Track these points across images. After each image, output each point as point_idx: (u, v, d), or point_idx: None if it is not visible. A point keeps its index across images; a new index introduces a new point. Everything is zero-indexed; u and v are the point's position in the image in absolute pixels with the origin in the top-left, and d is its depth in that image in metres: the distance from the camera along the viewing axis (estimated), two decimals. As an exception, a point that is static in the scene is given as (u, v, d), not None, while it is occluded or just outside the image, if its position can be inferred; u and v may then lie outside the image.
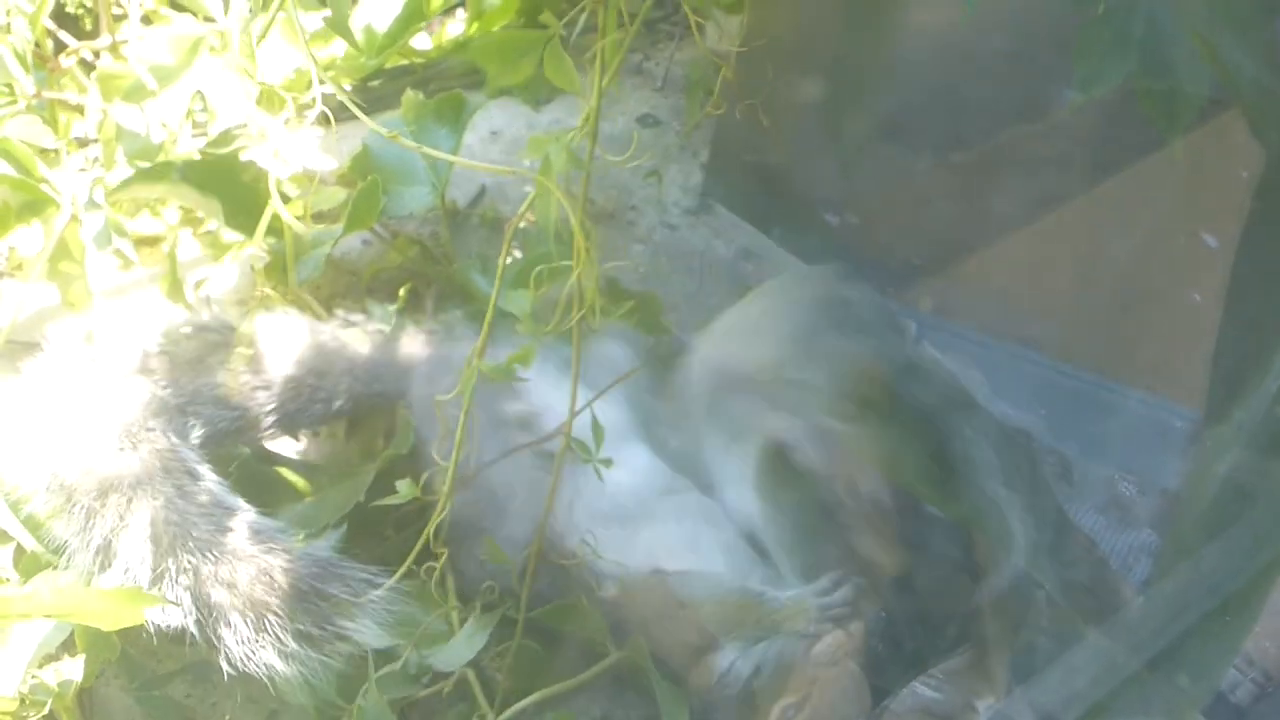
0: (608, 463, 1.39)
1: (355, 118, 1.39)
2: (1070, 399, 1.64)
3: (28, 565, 1.42)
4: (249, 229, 1.65)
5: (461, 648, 1.46)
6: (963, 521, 1.47)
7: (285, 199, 1.69)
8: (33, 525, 1.41)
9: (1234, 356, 1.41)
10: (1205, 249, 1.54)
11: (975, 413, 1.54)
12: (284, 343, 1.58)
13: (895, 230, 1.92)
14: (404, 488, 1.48)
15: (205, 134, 1.86)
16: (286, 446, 1.67)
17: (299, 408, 1.59)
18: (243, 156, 1.75)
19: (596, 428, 1.37)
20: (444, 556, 1.46)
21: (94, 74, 1.77)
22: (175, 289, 1.72)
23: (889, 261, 1.91)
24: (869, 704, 1.37)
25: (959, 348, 1.67)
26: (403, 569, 1.43)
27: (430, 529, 1.43)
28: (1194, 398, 1.51)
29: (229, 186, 1.65)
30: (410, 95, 1.86)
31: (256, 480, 1.52)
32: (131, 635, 1.48)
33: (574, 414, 1.36)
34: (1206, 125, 1.50)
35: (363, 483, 1.52)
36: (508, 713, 1.46)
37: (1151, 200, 1.64)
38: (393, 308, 1.71)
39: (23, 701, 1.35)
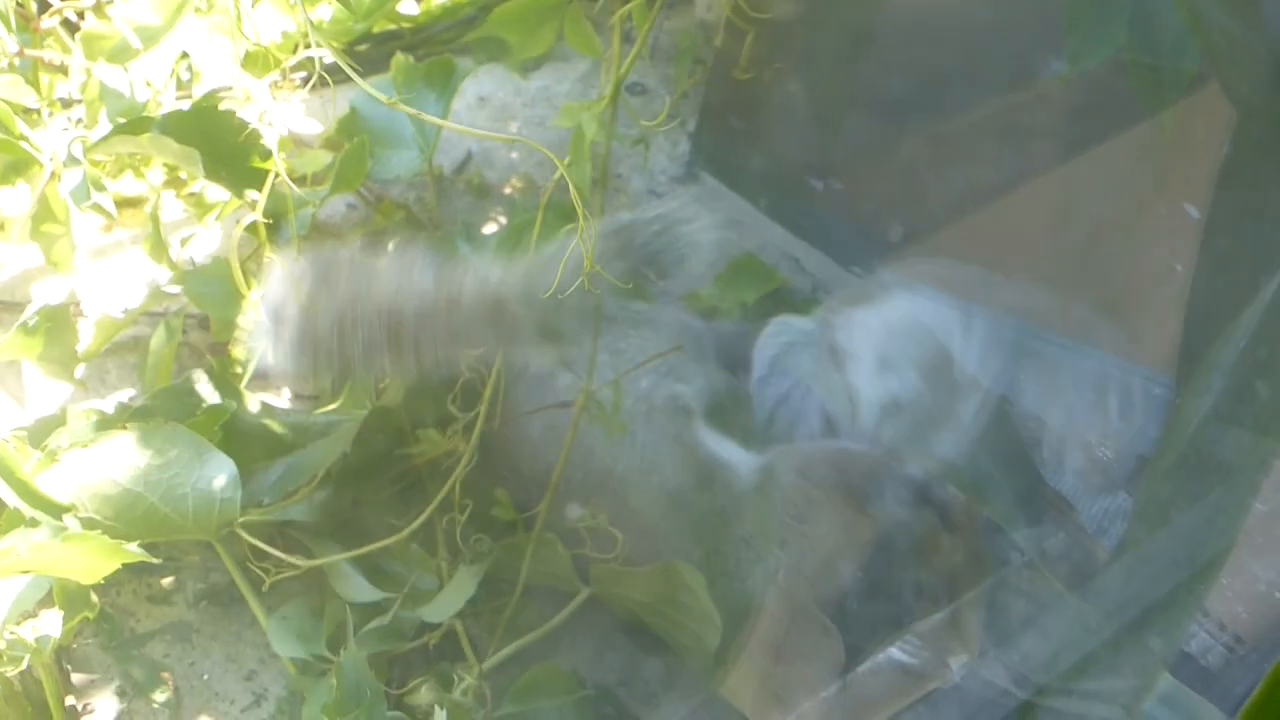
0: (623, 428, 1.39)
1: (340, 82, 1.39)
2: (1049, 364, 1.64)
3: (5, 522, 1.41)
4: (229, 181, 1.64)
5: (450, 599, 1.46)
6: (940, 481, 1.48)
7: (266, 154, 1.69)
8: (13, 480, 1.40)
9: (1204, 321, 1.42)
10: (1187, 220, 1.54)
11: (955, 376, 1.55)
12: None
13: (880, 198, 1.93)
14: (427, 438, 1.49)
15: (190, 95, 1.85)
16: (277, 399, 1.68)
17: None
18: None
19: (617, 391, 1.37)
20: (467, 510, 1.46)
21: (78, 34, 1.77)
22: (158, 249, 1.72)
23: (874, 228, 1.91)
24: (842, 660, 1.37)
25: (938, 314, 1.67)
26: (418, 522, 1.44)
27: (454, 481, 1.43)
28: (1171, 365, 1.52)
29: (209, 138, 1.64)
30: (400, 58, 1.86)
31: (245, 434, 1.52)
32: (110, 594, 1.49)
33: (591, 376, 1.36)
34: (1191, 98, 1.50)
35: (349, 433, 1.52)
36: (491, 661, 1.47)
37: (1134, 171, 1.65)
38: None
39: (0, 658, 1.35)
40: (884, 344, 1.61)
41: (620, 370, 1.42)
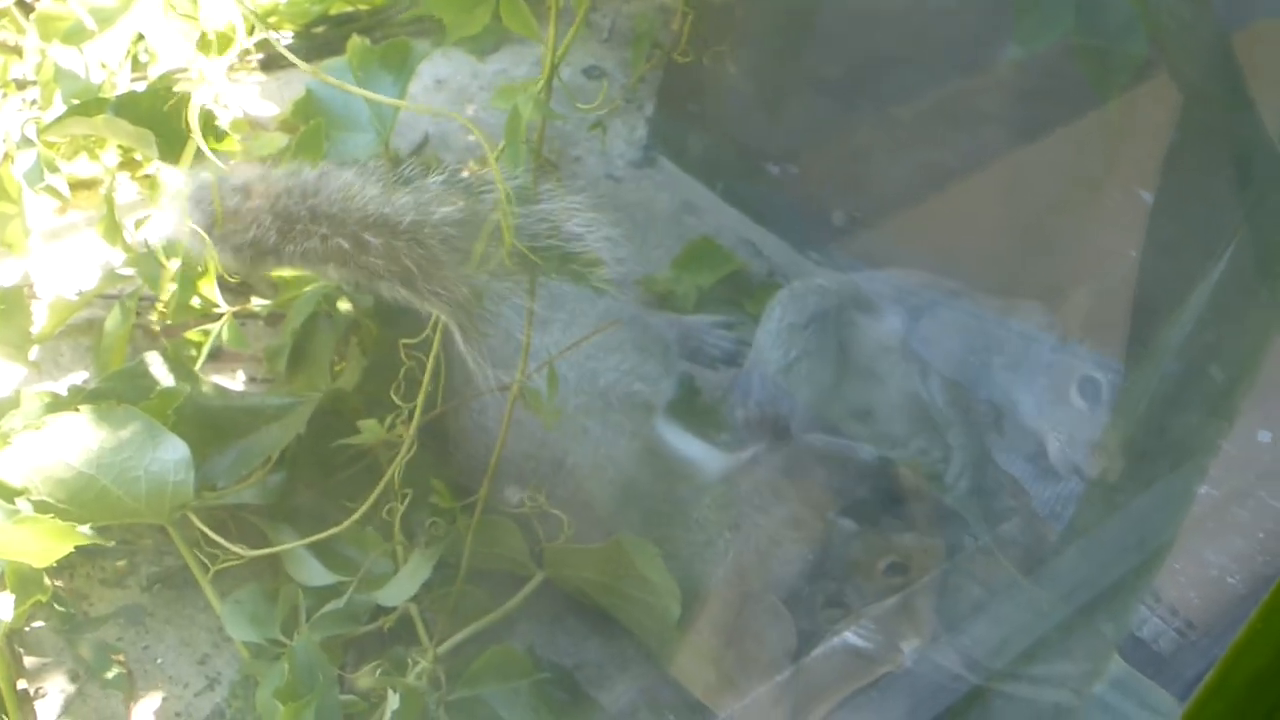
0: (556, 414, 1.38)
1: (298, 65, 1.39)
2: (1000, 350, 1.65)
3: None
4: (181, 163, 1.64)
5: (405, 583, 1.46)
6: (892, 463, 1.49)
7: (221, 135, 1.69)
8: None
9: (1151, 306, 1.43)
10: (1140, 204, 1.54)
11: (909, 360, 1.55)
12: None
13: (835, 182, 1.93)
14: (368, 428, 1.48)
15: (146, 77, 1.85)
16: (231, 382, 1.67)
17: None
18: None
19: (552, 377, 1.36)
20: (408, 497, 1.46)
21: (33, 15, 1.76)
22: (113, 231, 1.71)
23: (829, 212, 1.92)
24: (794, 644, 1.38)
25: (894, 298, 1.67)
26: (365, 507, 1.44)
27: (394, 469, 1.43)
28: (1122, 349, 1.53)
29: (162, 119, 1.63)
30: (356, 40, 1.85)
31: (199, 416, 1.51)
32: (63, 577, 1.49)
33: (526, 360, 1.36)
34: (1144, 83, 1.51)
35: (303, 416, 1.52)
36: (446, 644, 1.47)
37: (1086, 156, 1.65)
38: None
39: (-50, 641, 1.35)
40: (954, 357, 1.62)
41: (550, 353, 1.41)
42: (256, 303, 1.74)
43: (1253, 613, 0.58)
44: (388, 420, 1.51)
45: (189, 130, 1.41)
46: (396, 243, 1.29)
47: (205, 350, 1.63)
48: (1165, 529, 1.32)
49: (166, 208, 1.38)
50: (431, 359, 1.38)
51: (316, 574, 1.47)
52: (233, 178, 1.35)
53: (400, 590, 1.47)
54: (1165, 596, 1.44)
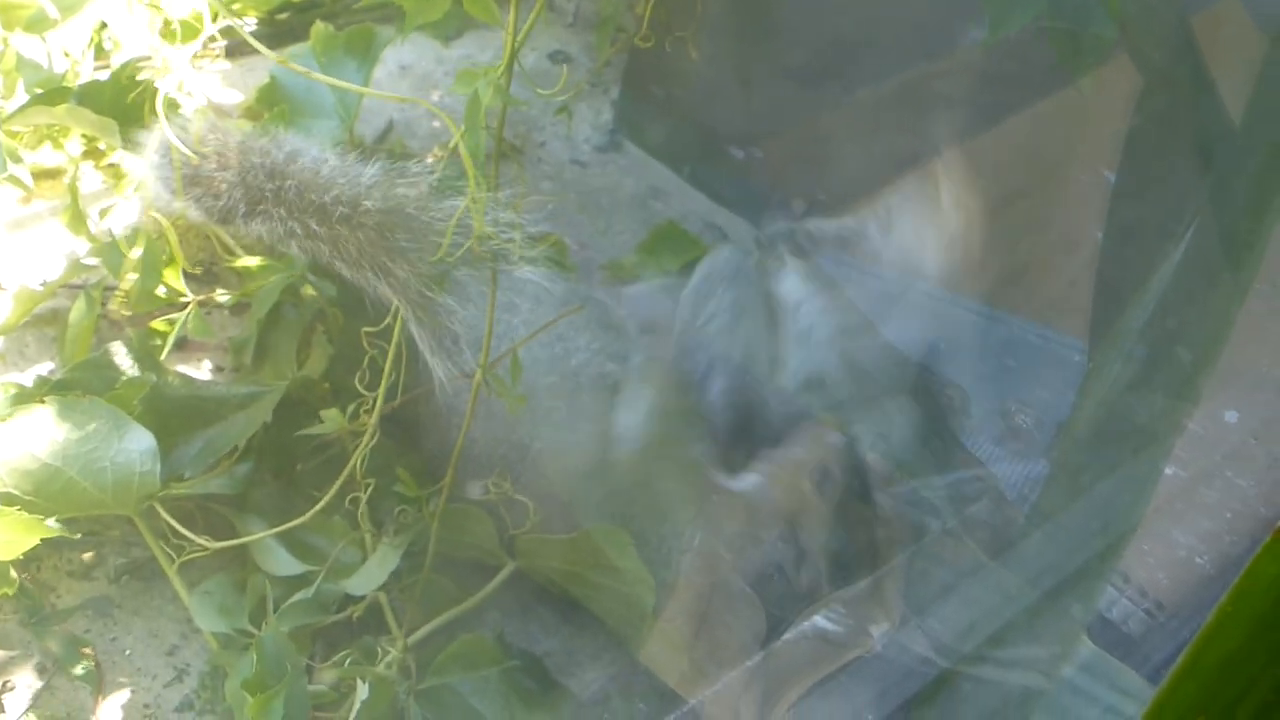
0: (522, 400, 1.38)
1: (262, 51, 1.38)
2: (969, 332, 1.65)
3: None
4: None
5: (374, 571, 1.46)
6: (860, 448, 1.49)
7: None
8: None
9: (1114, 288, 1.43)
10: (1106, 186, 1.55)
11: (874, 340, 1.56)
12: None
13: (801, 166, 1.93)
14: (330, 417, 1.48)
15: (109, 66, 1.84)
16: (197, 372, 1.67)
17: None
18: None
19: (515, 363, 1.36)
20: (370, 486, 1.46)
21: (-5, 3, 1.75)
22: (77, 221, 1.70)
23: (795, 196, 1.92)
24: (764, 629, 1.38)
25: (860, 281, 1.68)
26: (327, 498, 1.43)
27: (356, 459, 1.43)
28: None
29: (126, 108, 1.62)
30: (320, 27, 1.84)
31: (165, 406, 1.51)
32: (30, 569, 1.48)
33: (489, 346, 1.36)
34: (1110, 65, 1.51)
35: (269, 404, 1.52)
36: (417, 634, 1.47)
37: (1053, 139, 1.65)
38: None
39: (-84, 635, 1.34)
40: (819, 318, 1.61)
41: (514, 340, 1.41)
42: (221, 293, 1.74)
43: (1223, 595, 0.58)
44: (350, 409, 1.50)
45: (153, 118, 1.41)
46: (343, 229, 1.30)
47: (171, 340, 1.62)
48: (1132, 510, 1.32)
49: (142, 163, 1.39)
50: (393, 347, 1.38)
51: (285, 564, 1.47)
52: (210, 139, 1.37)
53: (369, 579, 1.46)
54: (1134, 578, 1.44)
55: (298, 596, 1.45)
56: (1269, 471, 1.50)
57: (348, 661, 1.43)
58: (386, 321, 1.37)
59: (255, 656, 1.36)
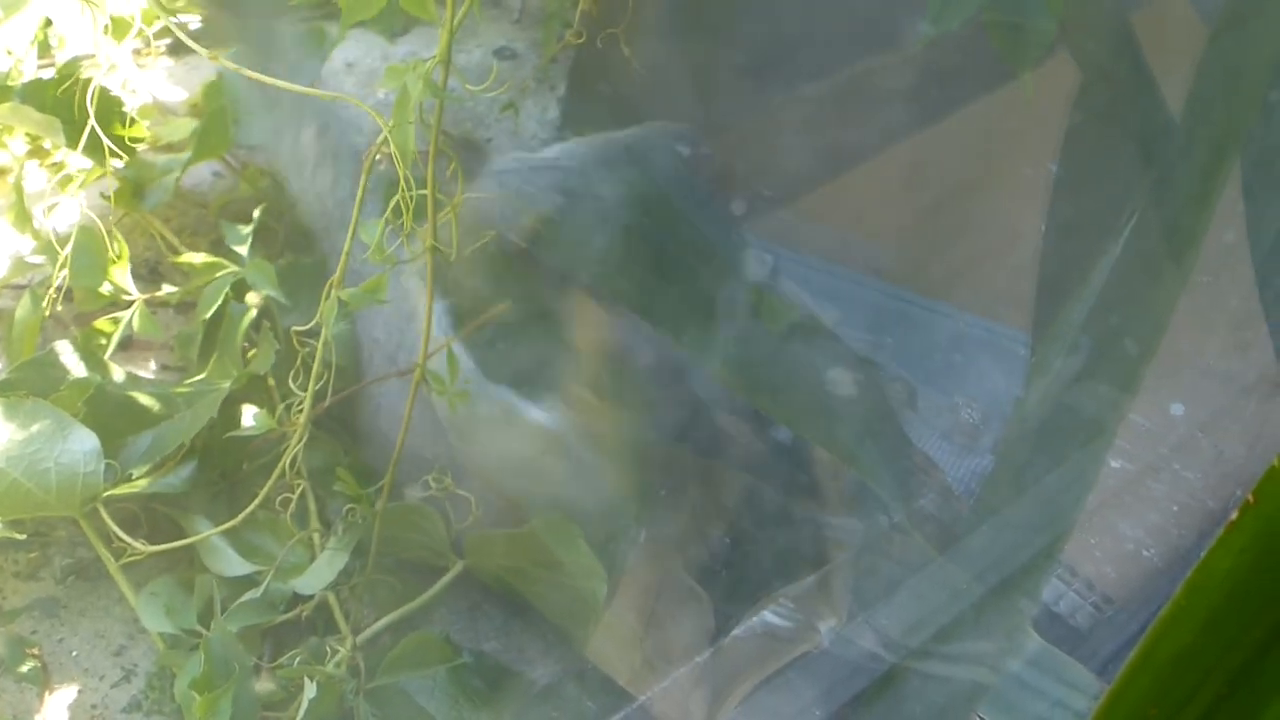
0: (464, 396, 1.38)
1: (210, 48, 1.38)
2: (915, 326, 1.66)
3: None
4: (90, 150, 1.62)
5: (323, 570, 1.46)
6: (805, 442, 1.49)
7: (131, 122, 1.68)
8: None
9: (1055, 277, 1.44)
10: (1050, 180, 1.55)
11: (824, 338, 1.55)
12: None
13: (747, 161, 1.93)
14: (258, 419, 1.47)
15: (53, 63, 1.83)
16: (144, 371, 1.66)
17: None
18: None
19: (452, 360, 1.36)
20: (301, 488, 1.46)
21: (-65, 1, 1.74)
22: (23, 219, 1.70)
23: (742, 192, 1.92)
24: (712, 625, 1.38)
25: (807, 277, 1.68)
26: (258, 500, 1.43)
27: (285, 460, 1.43)
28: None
29: (69, 107, 1.62)
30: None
31: (110, 406, 1.50)
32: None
33: (427, 345, 1.36)
34: (1052, 59, 1.52)
35: (213, 402, 1.51)
36: (365, 633, 1.47)
37: (997, 133, 1.66)
38: (247, 229, 1.69)
39: None
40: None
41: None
42: (167, 289, 1.73)
43: (1172, 588, 0.58)
44: (279, 409, 1.50)
45: (99, 117, 1.41)
46: None
47: (115, 338, 1.62)
48: (1075, 503, 1.33)
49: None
50: (320, 345, 1.37)
51: (232, 564, 1.47)
52: None
53: (317, 578, 1.46)
54: (1081, 571, 1.45)
55: (246, 596, 1.45)
56: (1216, 465, 1.51)
57: (296, 661, 1.43)
58: (316, 320, 1.36)
59: (203, 656, 1.36)
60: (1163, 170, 1.33)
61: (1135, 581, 1.45)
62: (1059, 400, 1.36)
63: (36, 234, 1.71)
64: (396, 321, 1.52)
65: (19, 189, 1.70)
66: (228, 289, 1.65)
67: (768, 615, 1.38)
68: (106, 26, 1.66)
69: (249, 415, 1.51)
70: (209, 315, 1.65)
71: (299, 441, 1.42)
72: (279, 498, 1.49)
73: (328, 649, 1.45)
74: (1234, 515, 0.55)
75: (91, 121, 1.39)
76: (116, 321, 1.64)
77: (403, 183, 1.23)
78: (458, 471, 1.50)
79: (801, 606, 1.38)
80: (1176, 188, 1.30)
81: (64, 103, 1.61)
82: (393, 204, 1.27)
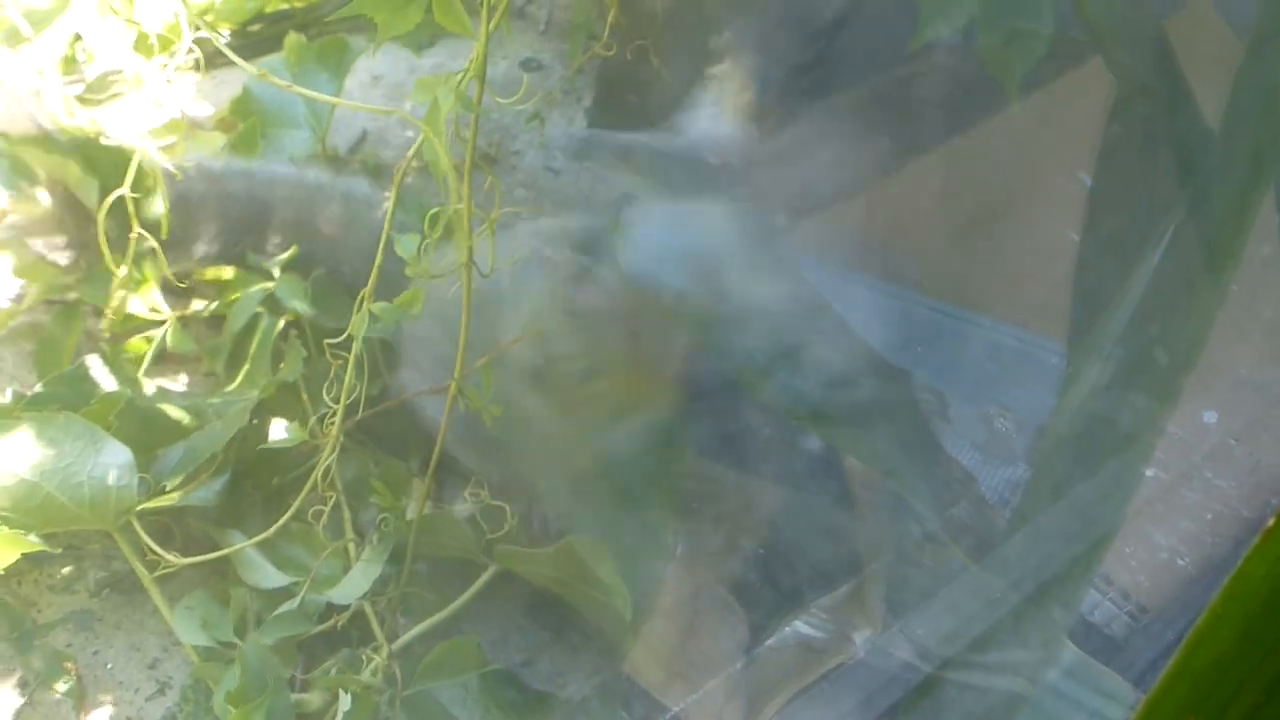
0: (498, 410, 1.38)
1: (234, 63, 1.39)
2: (947, 337, 1.66)
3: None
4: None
5: (357, 580, 1.46)
6: (840, 453, 1.49)
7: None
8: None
9: (1093, 286, 1.43)
10: (1079, 188, 1.55)
11: (853, 346, 1.55)
12: None
13: (780, 173, 1.93)
14: (291, 431, 1.48)
15: (83, 79, 1.84)
16: (175, 385, 1.67)
17: None
18: (119, 102, 1.74)
19: (487, 373, 1.36)
20: (334, 499, 1.46)
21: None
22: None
23: (771, 204, 1.92)
24: (747, 637, 1.38)
25: (837, 289, 1.68)
26: (291, 511, 1.44)
27: (319, 472, 1.43)
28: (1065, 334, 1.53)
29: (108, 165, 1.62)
30: (293, 37, 1.85)
31: (140, 420, 1.51)
32: (10, 584, 1.48)
33: (464, 356, 1.36)
34: (1085, 69, 1.52)
35: (242, 414, 1.51)
36: (400, 641, 1.47)
37: (1029, 142, 1.66)
38: (274, 244, 1.69)
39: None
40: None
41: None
42: (198, 302, 1.73)
43: (1208, 596, 0.58)
44: (311, 421, 1.51)
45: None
46: None
47: (148, 357, 1.63)
48: (1112, 513, 1.33)
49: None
50: (352, 358, 1.38)
51: (267, 575, 1.47)
52: None
53: (352, 589, 1.46)
54: (1117, 580, 1.45)
55: (282, 609, 1.45)
56: (1249, 473, 1.50)
57: (332, 671, 1.43)
58: (348, 333, 1.37)
59: (239, 669, 1.36)
60: (1201, 183, 1.33)
61: (1170, 590, 1.45)
62: (1096, 411, 1.36)
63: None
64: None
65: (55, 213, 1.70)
66: (258, 304, 1.66)
67: (801, 625, 1.38)
68: (136, 42, 1.67)
69: (280, 427, 1.52)
70: (239, 330, 1.66)
71: (331, 453, 1.42)
72: (311, 509, 1.49)
73: (363, 658, 1.45)
74: (1269, 523, 0.55)
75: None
76: (149, 340, 1.65)
77: (450, 194, 1.23)
78: (493, 483, 1.51)
79: (835, 617, 1.38)
80: (1214, 201, 1.30)
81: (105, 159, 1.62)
82: (429, 218, 1.28)
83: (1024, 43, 1.50)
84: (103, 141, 1.60)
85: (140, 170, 1.51)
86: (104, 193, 1.58)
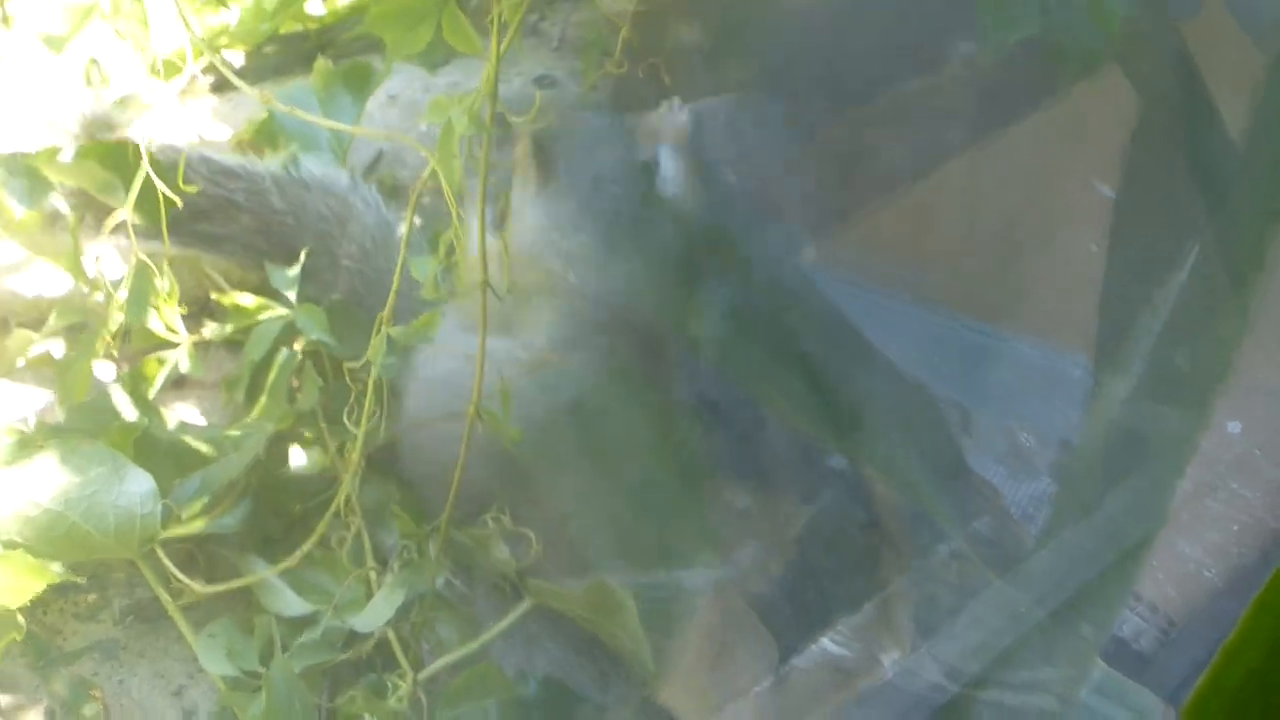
0: (517, 434, 1.38)
1: (253, 85, 1.39)
2: (968, 351, 1.65)
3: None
4: (146, 213, 1.62)
5: (381, 607, 1.46)
6: (863, 471, 1.48)
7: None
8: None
9: (1119, 301, 1.43)
10: (1100, 199, 1.55)
11: (875, 362, 1.55)
12: None
13: (795, 188, 1.93)
14: (311, 458, 1.48)
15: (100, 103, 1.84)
16: (190, 410, 1.67)
17: None
18: (135, 124, 1.73)
19: (505, 398, 1.36)
20: (356, 526, 1.46)
21: (-18, 45, 1.75)
22: (75, 265, 1.70)
23: (790, 220, 1.92)
24: (775, 660, 1.38)
25: (860, 302, 1.67)
26: (314, 538, 1.44)
27: (340, 498, 1.43)
28: (1089, 346, 1.53)
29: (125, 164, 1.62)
30: (321, 63, 1.86)
31: (159, 449, 1.51)
32: (35, 614, 1.48)
33: (481, 380, 1.35)
34: (1097, 79, 1.51)
35: (259, 441, 1.51)
36: (426, 671, 1.47)
37: (1046, 151, 1.65)
38: (293, 271, 1.69)
39: (-76, 682, 1.34)
40: None
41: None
42: (213, 325, 1.73)
43: (1236, 608, 0.58)
44: (333, 448, 1.51)
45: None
46: None
47: (159, 380, 1.63)
48: (1145, 527, 1.32)
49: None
50: (370, 384, 1.38)
51: (290, 603, 1.47)
52: None
53: (376, 615, 1.46)
54: (1145, 594, 1.44)
55: (306, 637, 1.45)
56: (1275, 484, 1.50)
57: (358, 699, 1.43)
58: (366, 357, 1.36)
59: (265, 697, 1.36)
60: (1225, 194, 1.33)
61: (1198, 602, 1.44)
62: (1126, 427, 1.36)
63: (88, 279, 1.71)
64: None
65: (74, 234, 1.70)
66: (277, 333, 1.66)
67: (827, 644, 1.38)
68: (152, 65, 1.67)
69: (300, 455, 1.52)
70: (257, 360, 1.66)
71: (351, 481, 1.42)
72: (333, 536, 1.49)
73: (389, 684, 1.45)
74: (1297, 534, 0.55)
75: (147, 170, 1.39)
76: (163, 361, 1.65)
77: (455, 216, 1.23)
78: (515, 499, 1.50)
79: (863, 637, 1.37)
80: (1240, 212, 1.30)
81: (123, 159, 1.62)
82: (445, 240, 1.28)
83: (1076, 53, 1.50)
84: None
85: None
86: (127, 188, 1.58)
